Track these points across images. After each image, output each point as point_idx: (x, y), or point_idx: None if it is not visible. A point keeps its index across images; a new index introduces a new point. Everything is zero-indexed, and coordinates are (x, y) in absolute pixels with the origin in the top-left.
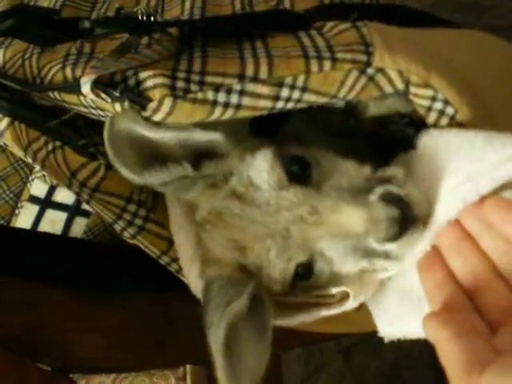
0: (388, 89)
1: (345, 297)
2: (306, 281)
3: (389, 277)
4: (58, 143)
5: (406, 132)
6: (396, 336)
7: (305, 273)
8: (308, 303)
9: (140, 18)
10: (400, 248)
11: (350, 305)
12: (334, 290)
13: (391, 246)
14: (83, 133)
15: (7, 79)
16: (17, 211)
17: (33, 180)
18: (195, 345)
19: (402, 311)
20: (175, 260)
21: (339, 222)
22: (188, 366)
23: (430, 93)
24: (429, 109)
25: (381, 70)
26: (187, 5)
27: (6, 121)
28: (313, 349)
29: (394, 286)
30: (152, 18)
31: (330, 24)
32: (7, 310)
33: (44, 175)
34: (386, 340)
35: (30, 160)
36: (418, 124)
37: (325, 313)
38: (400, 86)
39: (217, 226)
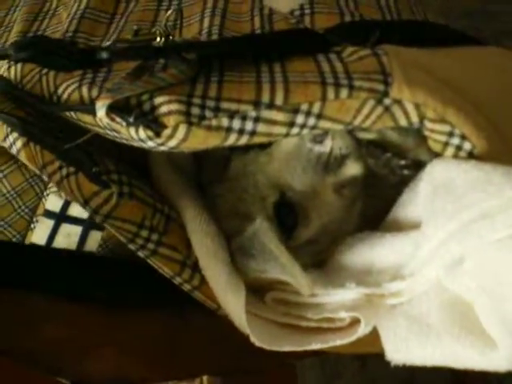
0: (403, 121)
1: (355, 321)
2: (296, 228)
3: (398, 302)
4: (71, 169)
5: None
6: (402, 362)
7: (287, 214)
8: (319, 328)
9: (158, 39)
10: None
11: (363, 331)
12: (344, 314)
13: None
14: (96, 159)
15: (24, 95)
16: (32, 226)
17: (48, 195)
18: (212, 356)
19: (409, 338)
20: (188, 281)
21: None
22: (205, 378)
23: (446, 128)
24: (446, 144)
25: (398, 102)
26: (206, 23)
27: (21, 140)
28: (328, 356)
29: (402, 311)
30: (170, 37)
31: (350, 49)
32: (23, 324)
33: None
34: (393, 364)
35: (46, 179)
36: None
37: (340, 342)
38: (415, 119)
39: None
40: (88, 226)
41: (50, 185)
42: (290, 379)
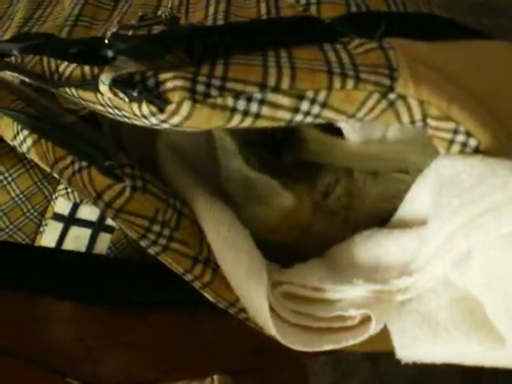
0: (405, 118)
1: (365, 320)
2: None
3: (407, 299)
4: (84, 163)
5: None
6: (412, 360)
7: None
8: (330, 328)
9: (164, 21)
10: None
11: (374, 328)
12: (354, 312)
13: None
14: (109, 154)
15: (26, 75)
16: (41, 229)
17: (56, 198)
18: (222, 355)
19: (419, 335)
20: (199, 277)
21: None
22: (215, 377)
23: (451, 125)
24: (451, 142)
25: (402, 97)
26: (211, 9)
27: (32, 137)
28: (340, 356)
29: (410, 308)
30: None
31: (356, 41)
32: (32, 325)
33: (67, 193)
34: (403, 362)
35: (57, 176)
36: None
37: (352, 341)
38: (418, 117)
39: None
40: (97, 228)
41: (59, 187)
42: (300, 378)
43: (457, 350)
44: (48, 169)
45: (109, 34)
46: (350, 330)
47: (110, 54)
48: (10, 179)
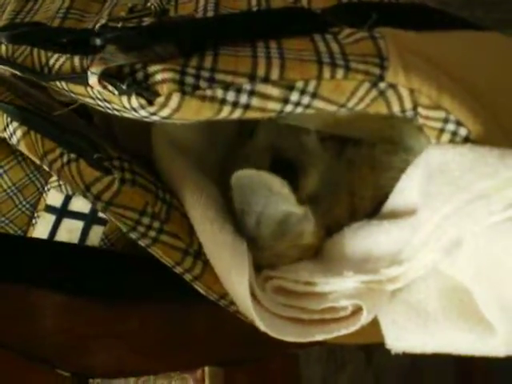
0: (396, 107)
1: (357, 310)
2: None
3: (397, 289)
4: (73, 156)
5: None
6: (403, 350)
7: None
8: (323, 320)
9: (153, 12)
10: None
11: (366, 319)
12: (346, 302)
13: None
14: (98, 146)
15: (16, 68)
16: (33, 221)
17: (49, 190)
18: (213, 347)
19: (409, 326)
20: (189, 270)
21: None
22: (206, 368)
23: (441, 114)
24: (441, 131)
25: (392, 86)
26: (201, 1)
27: (21, 129)
28: (333, 347)
29: (400, 299)
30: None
31: (347, 30)
32: (23, 317)
33: (60, 185)
34: (393, 353)
35: (46, 168)
36: None
37: (344, 331)
38: (408, 106)
39: None
40: (90, 220)
41: (51, 180)
42: (291, 369)
43: (447, 340)
44: (38, 161)
45: (98, 25)
46: (342, 321)
47: (98, 42)
48: (1, 171)
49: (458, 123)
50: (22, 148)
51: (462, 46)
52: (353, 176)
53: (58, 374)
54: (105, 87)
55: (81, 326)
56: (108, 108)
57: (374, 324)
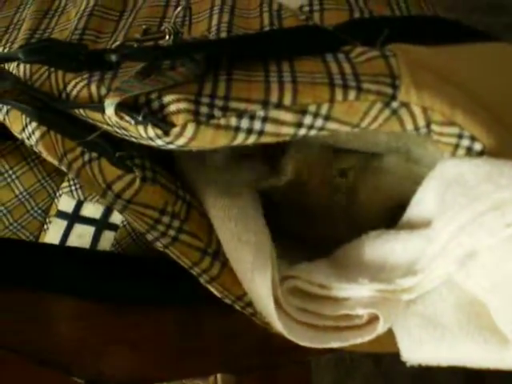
0: (409, 125)
1: (372, 319)
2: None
3: (411, 300)
4: (94, 154)
5: None
6: (418, 361)
7: None
8: (337, 327)
9: (167, 37)
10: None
11: (382, 328)
12: (362, 311)
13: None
14: (119, 145)
15: (35, 92)
16: (45, 226)
17: (60, 195)
18: (225, 354)
19: (424, 338)
20: (206, 270)
21: None
22: (218, 375)
23: (455, 130)
24: (456, 146)
25: (405, 105)
26: (214, 20)
27: (41, 130)
28: (342, 353)
29: (416, 311)
30: (179, 35)
31: (358, 49)
32: (37, 324)
33: (71, 190)
34: (409, 365)
35: (64, 169)
36: None
37: (360, 340)
38: (421, 123)
39: None
40: (101, 226)
41: (63, 185)
42: (304, 377)
43: (462, 353)
44: (56, 162)
45: (115, 44)
46: (357, 329)
47: (114, 58)
48: (13, 177)
49: (473, 138)
50: (41, 148)
51: (474, 59)
52: None
53: (72, 382)
54: (121, 118)
55: (94, 332)
56: (125, 135)
57: (388, 334)
